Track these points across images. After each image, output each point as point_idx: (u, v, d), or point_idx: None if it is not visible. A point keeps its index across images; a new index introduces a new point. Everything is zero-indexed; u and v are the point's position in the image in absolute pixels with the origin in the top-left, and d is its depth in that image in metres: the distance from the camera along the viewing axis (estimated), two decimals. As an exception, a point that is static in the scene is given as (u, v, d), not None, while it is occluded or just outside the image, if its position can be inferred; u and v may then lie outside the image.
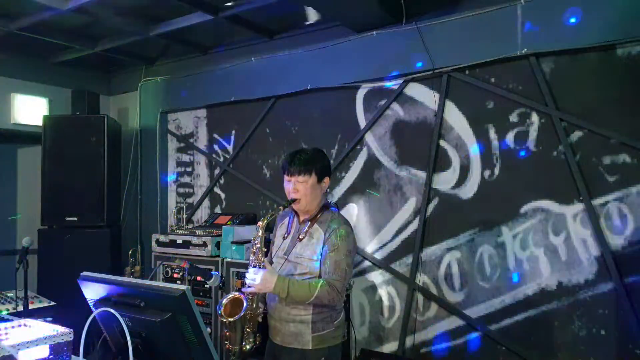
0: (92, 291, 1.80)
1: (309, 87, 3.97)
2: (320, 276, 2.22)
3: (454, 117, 3.40)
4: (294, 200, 2.27)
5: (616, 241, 2.84)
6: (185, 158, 4.92)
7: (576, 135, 2.97)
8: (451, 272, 3.38)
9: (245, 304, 2.25)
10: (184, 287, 1.56)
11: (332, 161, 3.41)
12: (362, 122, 3.78)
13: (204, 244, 3.65)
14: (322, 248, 2.23)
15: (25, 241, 2.91)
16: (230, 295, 2.31)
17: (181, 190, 4.95)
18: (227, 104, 4.51)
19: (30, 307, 3.14)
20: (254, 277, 2.17)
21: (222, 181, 4.63)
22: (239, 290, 2.35)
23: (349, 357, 3.38)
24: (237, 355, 2.28)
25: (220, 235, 3.65)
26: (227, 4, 3.65)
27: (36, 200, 4.63)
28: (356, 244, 2.35)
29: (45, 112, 4.97)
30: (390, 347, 3.60)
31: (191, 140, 4.85)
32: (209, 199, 4.72)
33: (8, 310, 3.14)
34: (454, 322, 3.35)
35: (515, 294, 3.14)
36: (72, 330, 1.65)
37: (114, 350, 1.73)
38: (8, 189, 5.36)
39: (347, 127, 3.85)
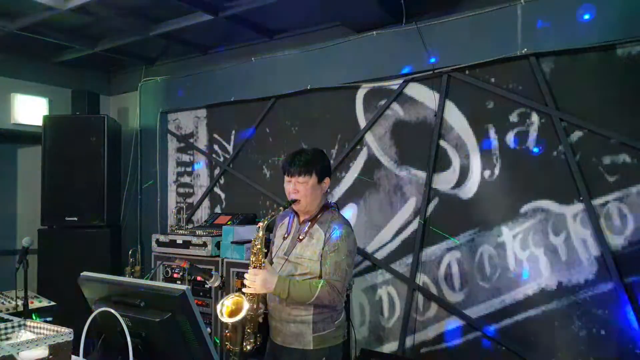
0: (92, 291, 1.80)
1: (309, 87, 3.97)
2: (320, 276, 2.22)
3: (454, 117, 3.40)
4: (294, 201, 2.27)
5: (616, 241, 2.84)
6: (185, 158, 4.92)
7: (576, 135, 2.97)
8: (451, 272, 3.37)
9: (245, 305, 2.24)
10: (184, 287, 1.56)
11: (332, 161, 3.41)
12: (362, 122, 3.78)
13: (204, 244, 3.65)
14: (323, 248, 2.23)
15: (25, 241, 2.91)
16: (231, 296, 2.31)
17: (181, 190, 4.95)
18: (227, 104, 4.51)
19: (30, 307, 3.14)
20: (255, 278, 2.17)
21: (222, 181, 4.63)
22: (239, 290, 2.35)
23: (349, 357, 3.38)
24: (237, 355, 2.28)
25: (220, 235, 3.64)
26: (227, 4, 3.65)
27: (36, 200, 4.63)
28: (356, 244, 2.35)
29: (45, 112, 4.97)
30: (390, 347, 3.60)
31: (191, 140, 4.85)
32: (209, 199, 4.72)
33: (8, 310, 3.14)
34: (454, 322, 3.35)
35: (515, 294, 3.14)
36: (72, 330, 1.65)
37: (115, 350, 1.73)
38: (8, 189, 5.36)
39: (347, 127, 3.85)
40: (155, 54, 5.00)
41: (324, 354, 2.25)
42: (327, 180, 2.33)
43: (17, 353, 1.47)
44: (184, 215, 4.46)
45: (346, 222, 2.32)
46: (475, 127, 3.32)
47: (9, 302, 3.30)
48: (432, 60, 3.37)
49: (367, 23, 3.60)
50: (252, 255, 2.26)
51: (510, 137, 3.19)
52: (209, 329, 3.52)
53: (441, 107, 3.42)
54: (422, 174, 3.50)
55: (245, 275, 2.22)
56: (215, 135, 4.68)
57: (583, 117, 2.93)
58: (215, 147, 4.67)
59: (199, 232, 3.82)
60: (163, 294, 1.60)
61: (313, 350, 2.24)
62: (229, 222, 4.04)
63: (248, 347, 2.28)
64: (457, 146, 3.39)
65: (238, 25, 3.99)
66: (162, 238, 3.93)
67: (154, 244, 3.95)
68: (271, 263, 2.39)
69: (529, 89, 3.11)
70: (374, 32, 3.62)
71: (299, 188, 2.25)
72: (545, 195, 3.06)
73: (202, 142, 4.78)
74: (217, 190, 4.66)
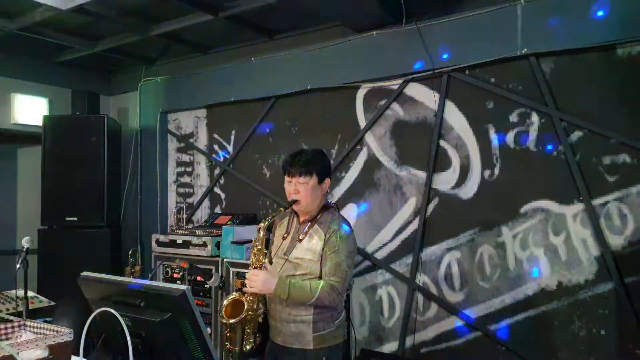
0: (92, 291, 1.80)
1: (309, 87, 3.97)
2: (320, 277, 2.22)
3: (454, 117, 3.40)
4: (295, 202, 2.27)
5: (616, 241, 2.84)
6: (185, 158, 4.92)
7: (576, 135, 2.97)
8: (451, 272, 3.37)
9: (246, 306, 2.24)
10: (184, 287, 1.56)
11: (332, 161, 3.41)
12: (362, 122, 3.78)
13: (204, 244, 3.65)
14: (322, 249, 2.22)
15: (25, 241, 2.90)
16: (231, 297, 2.31)
17: (181, 190, 4.95)
18: (227, 104, 4.51)
19: (30, 307, 3.14)
20: (255, 279, 2.17)
21: (222, 181, 4.63)
22: (239, 290, 2.35)
23: (349, 357, 3.38)
24: (237, 355, 2.27)
25: (220, 235, 3.64)
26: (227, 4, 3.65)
27: (36, 200, 4.63)
28: (356, 244, 2.35)
29: (45, 112, 4.97)
30: (390, 347, 3.60)
31: (191, 140, 4.85)
32: (209, 199, 4.72)
33: (8, 310, 3.13)
34: (454, 322, 3.35)
35: (515, 294, 3.14)
36: (72, 330, 1.65)
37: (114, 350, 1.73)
38: (8, 189, 5.36)
39: (347, 127, 3.85)
40: (155, 54, 5.00)
41: (324, 354, 2.25)
42: (327, 181, 2.33)
43: (17, 353, 1.47)
44: (184, 215, 4.46)
45: (346, 223, 2.32)
46: (475, 127, 3.32)
47: (9, 302, 3.30)
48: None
49: (367, 23, 3.60)
50: (252, 256, 2.26)
51: (510, 137, 3.19)
52: (209, 329, 3.52)
53: (441, 107, 3.42)
54: (422, 174, 3.50)
55: (246, 276, 2.22)
56: (215, 135, 4.68)
57: (583, 117, 2.93)
58: (215, 147, 4.67)
59: (199, 232, 3.82)
60: (163, 294, 1.59)
61: (313, 350, 2.24)
62: (229, 222, 4.04)
63: (248, 347, 2.28)
64: (457, 146, 3.39)
65: (238, 25, 3.99)
66: (162, 238, 3.93)
67: (154, 244, 3.95)
68: (270, 262, 2.39)
69: (529, 89, 3.11)
70: (374, 32, 3.62)
71: (299, 189, 2.25)
72: (545, 195, 3.06)
73: (202, 142, 4.78)
74: (217, 190, 4.66)
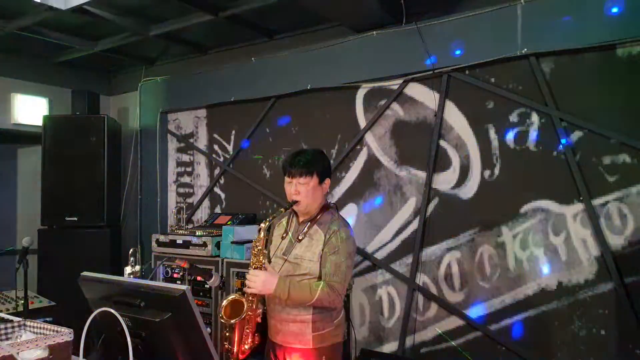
0: (92, 291, 1.80)
1: (309, 87, 3.97)
2: (320, 277, 2.22)
3: (454, 117, 3.40)
4: (295, 202, 2.27)
5: (616, 241, 2.84)
6: (185, 158, 4.92)
7: (576, 135, 2.97)
8: (451, 272, 3.37)
9: (245, 306, 2.24)
10: (184, 287, 1.56)
11: (332, 161, 3.41)
12: (362, 122, 3.78)
13: (204, 244, 3.65)
14: (322, 250, 2.22)
15: (25, 241, 2.91)
16: (231, 297, 2.31)
17: (181, 190, 4.95)
18: (227, 104, 4.51)
19: (30, 307, 3.14)
20: (255, 279, 2.17)
21: (222, 181, 4.63)
22: (239, 290, 2.35)
23: (349, 357, 3.38)
24: (236, 355, 2.28)
25: (220, 235, 3.64)
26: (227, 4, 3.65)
27: (36, 200, 4.63)
28: (356, 245, 2.35)
29: (45, 112, 4.97)
30: (390, 347, 3.60)
31: (191, 140, 4.85)
32: (209, 199, 4.72)
33: (8, 310, 3.14)
34: (454, 322, 3.35)
35: (515, 294, 3.14)
36: (72, 330, 1.65)
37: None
38: (8, 189, 5.36)
39: (347, 127, 3.84)
40: (155, 54, 5.00)
41: (324, 353, 2.25)
42: (327, 181, 2.33)
43: (17, 353, 1.47)
44: (184, 215, 4.46)
45: (346, 224, 2.31)
46: (475, 127, 3.32)
47: (9, 302, 3.31)
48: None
49: (367, 23, 3.61)
50: (252, 256, 2.26)
51: (510, 137, 3.19)
52: (209, 329, 3.52)
53: (441, 107, 3.42)
54: (422, 174, 3.50)
55: (246, 276, 2.22)
56: (215, 135, 4.68)
57: (583, 117, 2.93)
58: (215, 147, 4.67)
59: (199, 232, 3.81)
60: (163, 294, 1.59)
61: (313, 349, 2.24)
62: (229, 222, 4.04)
63: (246, 347, 2.28)
64: (457, 146, 3.39)
65: (238, 25, 3.99)
66: (162, 238, 3.93)
67: (154, 244, 3.95)
68: (269, 262, 2.39)
69: (529, 89, 3.11)
70: (374, 32, 3.62)
71: (300, 189, 2.25)
72: (545, 195, 3.06)
73: (202, 142, 4.78)
74: (217, 190, 4.66)
